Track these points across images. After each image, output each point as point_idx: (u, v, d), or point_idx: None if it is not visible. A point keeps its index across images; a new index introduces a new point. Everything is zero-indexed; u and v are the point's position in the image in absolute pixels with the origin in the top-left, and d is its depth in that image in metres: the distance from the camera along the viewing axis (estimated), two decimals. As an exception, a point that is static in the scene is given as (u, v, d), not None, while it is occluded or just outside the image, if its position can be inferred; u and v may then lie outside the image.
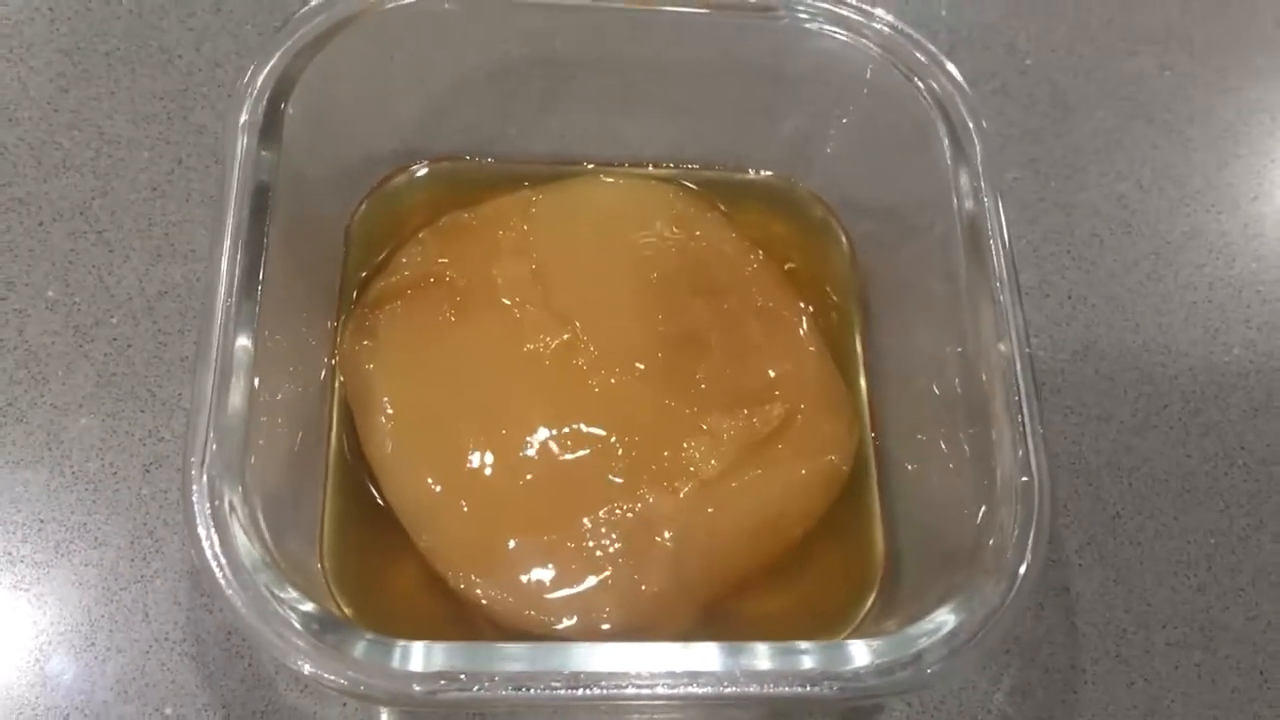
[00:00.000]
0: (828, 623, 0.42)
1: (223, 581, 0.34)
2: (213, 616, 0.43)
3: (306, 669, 0.33)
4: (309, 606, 0.34)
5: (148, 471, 0.45)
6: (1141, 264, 0.52)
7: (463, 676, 0.33)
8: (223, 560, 0.34)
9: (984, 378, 0.38)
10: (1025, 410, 0.38)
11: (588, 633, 0.41)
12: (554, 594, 0.41)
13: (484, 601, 0.41)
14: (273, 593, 0.34)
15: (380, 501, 0.43)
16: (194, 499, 0.34)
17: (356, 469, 0.43)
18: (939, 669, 0.34)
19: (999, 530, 0.36)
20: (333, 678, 0.33)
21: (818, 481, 0.44)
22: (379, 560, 0.42)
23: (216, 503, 0.34)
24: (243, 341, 0.37)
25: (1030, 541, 0.36)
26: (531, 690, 0.33)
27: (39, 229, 0.49)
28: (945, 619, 0.35)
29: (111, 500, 0.44)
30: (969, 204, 0.41)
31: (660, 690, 0.33)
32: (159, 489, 0.44)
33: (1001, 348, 0.39)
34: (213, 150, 0.51)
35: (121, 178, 0.50)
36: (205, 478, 0.35)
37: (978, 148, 0.42)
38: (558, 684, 0.33)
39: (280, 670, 0.42)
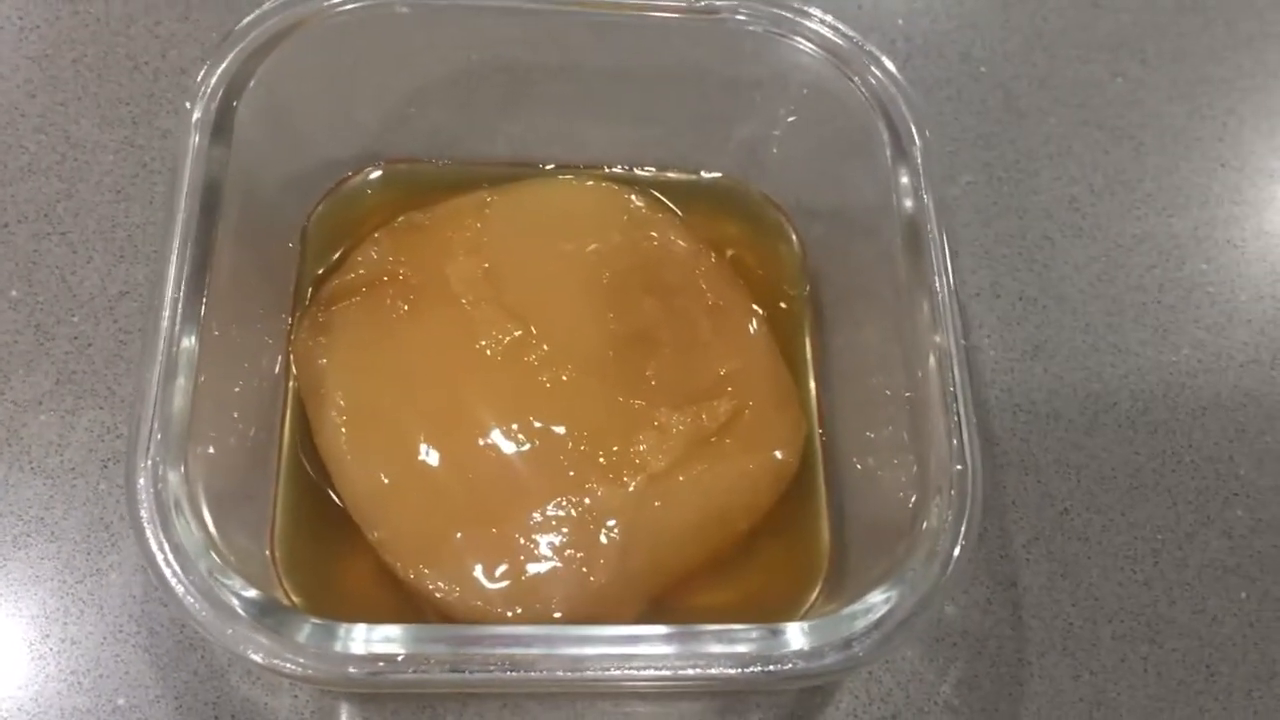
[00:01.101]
0: (773, 616, 0.42)
1: (165, 567, 0.34)
2: (167, 610, 0.43)
3: (250, 654, 0.34)
4: (252, 592, 0.35)
5: (105, 467, 0.45)
6: (1092, 266, 0.53)
7: (399, 658, 0.34)
8: (165, 545, 0.35)
9: (919, 371, 0.39)
10: (960, 399, 0.38)
11: (535, 622, 0.41)
12: (501, 585, 0.41)
13: (433, 593, 0.41)
14: (216, 577, 0.35)
15: (332, 495, 0.43)
16: (138, 485, 0.35)
17: (309, 463, 0.44)
18: (869, 650, 0.35)
19: (933, 515, 0.37)
20: (276, 661, 0.34)
21: (764, 476, 0.44)
22: (331, 553, 0.43)
23: (159, 487, 0.35)
24: (188, 334, 0.38)
25: (963, 527, 0.37)
26: (469, 673, 0.33)
27: (3, 230, 0.49)
28: (878, 601, 0.36)
29: (69, 495, 0.45)
30: (909, 202, 0.42)
31: (598, 673, 0.34)
32: (116, 484, 0.45)
33: (937, 339, 0.39)
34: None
35: (86, 181, 0.51)
36: (149, 463, 0.35)
37: (917, 144, 0.43)
38: (494, 666, 0.33)
39: (232, 662, 0.43)
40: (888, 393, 0.43)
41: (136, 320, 0.48)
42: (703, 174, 0.52)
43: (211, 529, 0.36)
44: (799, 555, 0.44)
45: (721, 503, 0.43)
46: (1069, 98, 0.57)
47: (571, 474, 0.42)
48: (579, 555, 0.41)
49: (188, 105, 0.41)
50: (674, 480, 0.43)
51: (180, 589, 0.34)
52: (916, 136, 0.43)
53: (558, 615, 0.41)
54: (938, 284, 0.40)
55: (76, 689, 0.42)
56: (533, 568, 0.41)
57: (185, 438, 0.36)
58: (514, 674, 0.34)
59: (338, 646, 0.34)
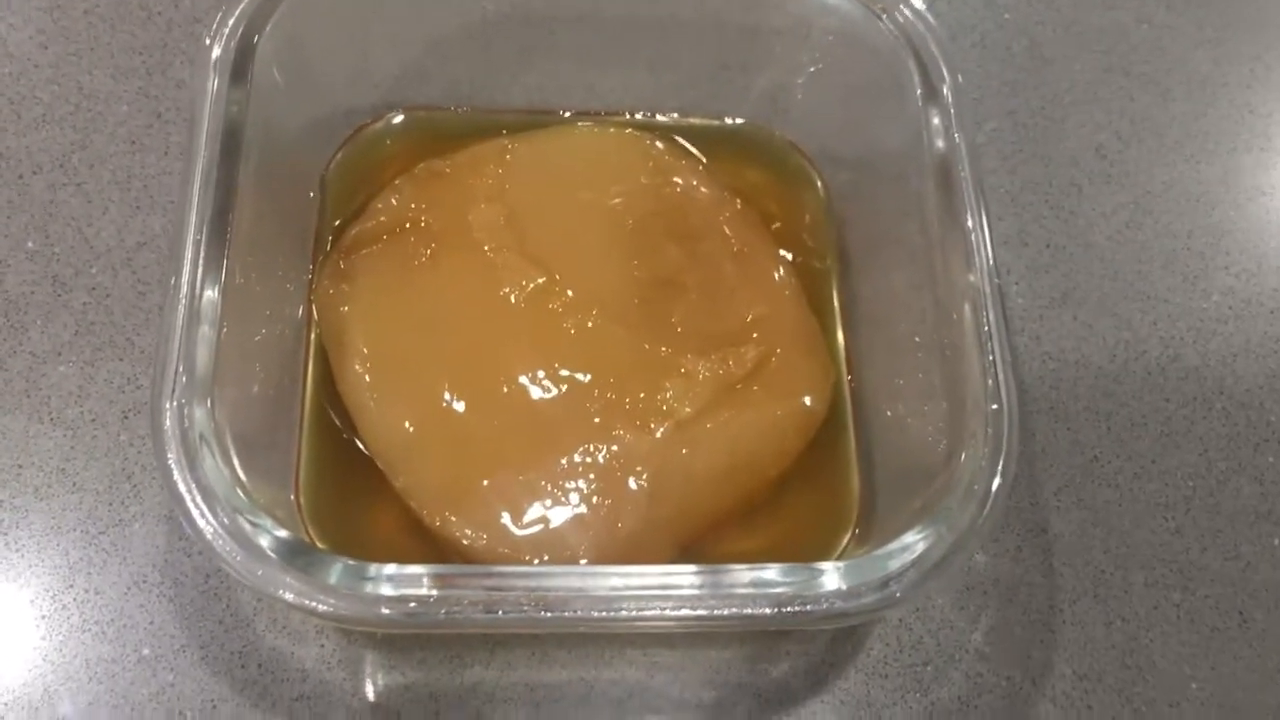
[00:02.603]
0: (805, 560, 0.42)
1: (192, 507, 0.34)
2: (191, 560, 0.43)
3: (280, 594, 0.34)
4: (282, 532, 0.34)
5: (126, 418, 0.45)
6: (1120, 213, 0.52)
7: (431, 598, 0.34)
8: (192, 486, 0.34)
9: (954, 314, 0.38)
10: (995, 338, 0.38)
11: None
12: (529, 532, 0.41)
13: (460, 540, 0.41)
14: (244, 517, 0.34)
15: (357, 443, 0.43)
16: (164, 425, 0.34)
17: (332, 411, 0.43)
18: (906, 589, 0.34)
19: (968, 455, 0.36)
20: (306, 601, 0.34)
21: (793, 423, 0.44)
22: (356, 501, 0.42)
23: (186, 426, 0.34)
24: (211, 280, 0.37)
25: (1000, 464, 0.36)
26: (502, 613, 0.33)
27: (18, 181, 0.49)
28: (914, 541, 0.35)
29: (90, 446, 0.44)
30: (940, 142, 0.41)
31: (631, 612, 0.33)
32: (137, 435, 0.45)
33: (971, 279, 0.39)
34: (191, 100, 0.51)
35: (100, 131, 0.50)
36: (174, 404, 0.35)
37: (946, 83, 0.42)
38: (527, 606, 0.33)
39: (258, 610, 0.42)
40: (917, 339, 0.43)
41: (154, 271, 0.48)
42: (724, 120, 0.51)
43: (239, 469, 0.35)
44: (828, 502, 0.44)
45: (749, 449, 0.43)
46: (1094, 44, 0.56)
47: (598, 421, 0.42)
48: (606, 502, 0.41)
49: (207, 42, 0.40)
50: (701, 427, 0.42)
51: (209, 529, 0.34)
52: (946, 75, 0.42)
53: (585, 563, 0.41)
54: (970, 223, 0.39)
55: (101, 638, 0.41)
56: (560, 514, 0.41)
57: (210, 380, 0.35)
58: (547, 614, 0.33)
59: (368, 587, 0.34)
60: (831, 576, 0.35)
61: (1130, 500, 0.47)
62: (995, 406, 0.37)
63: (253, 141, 0.40)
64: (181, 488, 0.34)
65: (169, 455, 0.34)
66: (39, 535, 0.43)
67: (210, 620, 0.42)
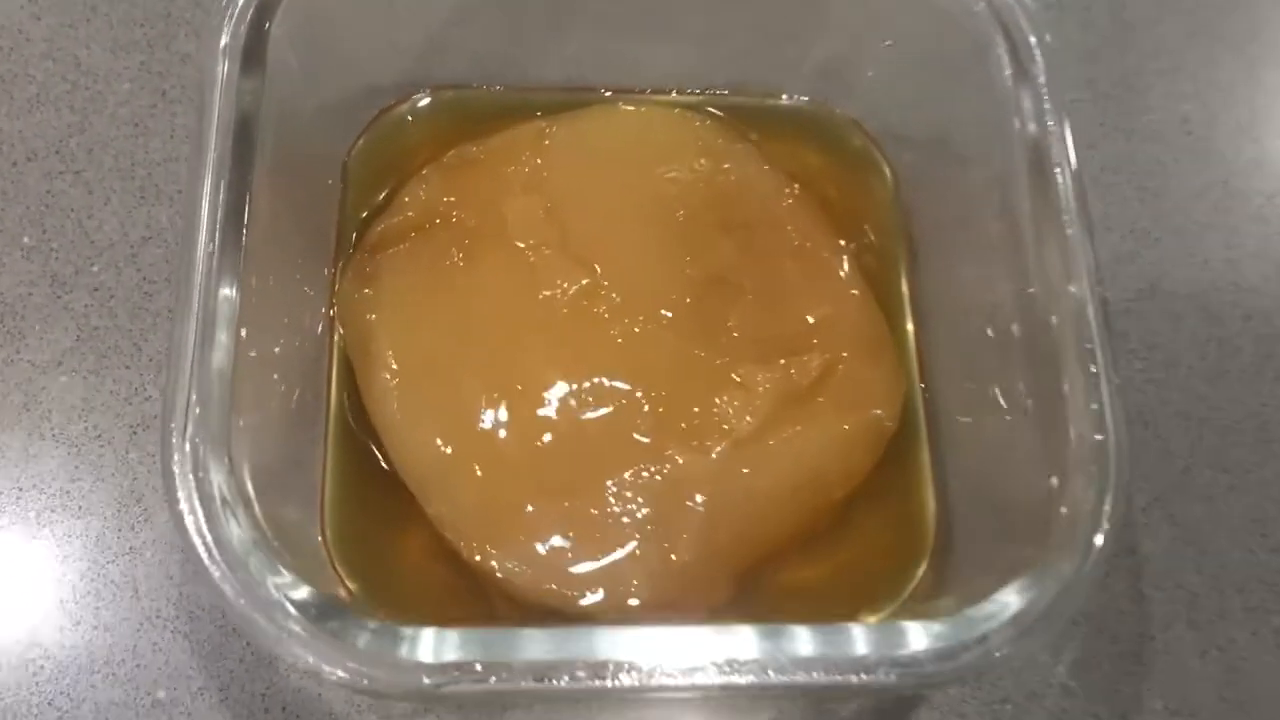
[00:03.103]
0: (873, 595, 0.39)
1: (209, 564, 0.30)
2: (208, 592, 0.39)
3: (305, 660, 0.30)
4: (304, 592, 0.31)
5: (134, 434, 0.41)
6: (1208, 193, 0.48)
7: (478, 667, 0.30)
8: (209, 539, 0.31)
9: (1052, 322, 0.34)
10: (1099, 359, 0.34)
11: (613, 607, 0.37)
12: (576, 566, 0.37)
13: (500, 575, 0.37)
14: (265, 576, 0.31)
15: (385, 464, 0.39)
16: (175, 471, 0.31)
17: (359, 429, 0.39)
18: (1006, 652, 0.31)
19: (1070, 496, 0.33)
20: (334, 670, 0.30)
21: (861, 438, 0.40)
22: (385, 529, 0.39)
23: (200, 474, 0.31)
24: (226, 292, 0.33)
25: (1106, 508, 0.32)
26: (554, 681, 0.30)
27: (12, 169, 0.45)
28: (1011, 598, 0.32)
29: (96, 465, 0.41)
30: (1031, 128, 0.37)
31: (697, 680, 0.30)
32: (147, 453, 0.41)
33: (1072, 289, 0.35)
34: (198, 81, 0.46)
35: (100, 113, 0.46)
36: (187, 447, 0.31)
37: (1040, 65, 0.38)
38: (583, 673, 0.30)
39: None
40: (994, 338, 0.39)
41: (162, 269, 0.44)
42: (780, 98, 0.46)
43: (260, 518, 0.32)
44: (901, 526, 0.40)
45: (814, 468, 0.39)
46: (1179, 5, 0.52)
47: (649, 439, 0.38)
48: (661, 531, 0.38)
49: (215, 27, 0.36)
50: (762, 444, 0.39)
51: (229, 591, 0.30)
52: (1039, 54, 0.38)
53: (637, 598, 0.37)
54: (1069, 223, 0.35)
55: (111, 680, 0.38)
56: (610, 545, 0.37)
57: (228, 413, 0.32)
58: (606, 684, 0.30)
59: (403, 651, 0.30)
60: (920, 637, 0.31)
61: (1225, 515, 0.43)
62: (1100, 437, 0.33)
63: (267, 131, 0.36)
64: (199, 544, 0.30)
65: (183, 509, 0.30)
66: (42, 565, 0.40)
67: (230, 659, 0.39)
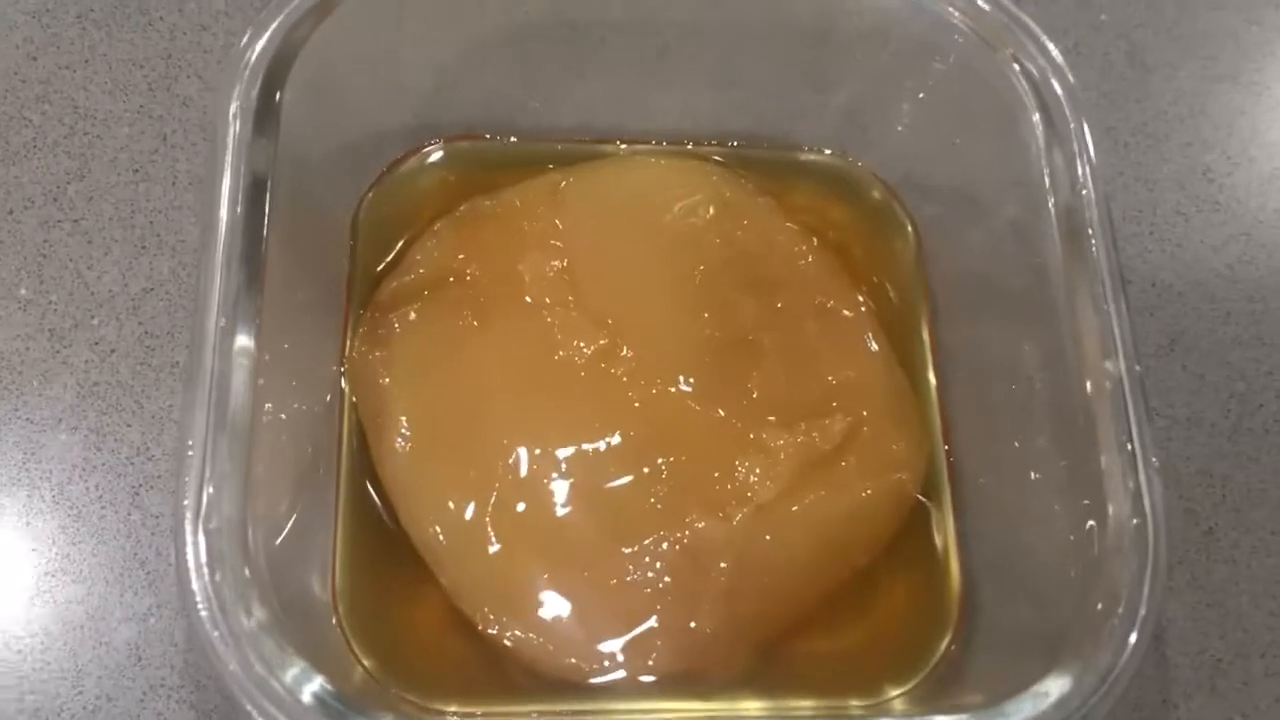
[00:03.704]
0: (897, 667, 0.38)
1: (223, 656, 0.29)
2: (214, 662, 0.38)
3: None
4: (317, 683, 0.30)
5: (136, 494, 0.40)
6: (1231, 246, 0.47)
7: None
8: (227, 637, 0.30)
9: (1087, 395, 0.34)
10: (1136, 439, 0.33)
11: (633, 679, 0.36)
12: (596, 637, 0.37)
13: (516, 647, 0.36)
14: (280, 668, 0.30)
15: (396, 529, 0.38)
16: (189, 561, 0.30)
17: (371, 495, 0.38)
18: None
19: (1108, 583, 0.32)
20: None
21: (885, 503, 0.39)
22: (399, 599, 0.38)
23: (218, 578, 0.30)
24: (239, 364, 0.32)
25: (1145, 593, 0.32)
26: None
27: (8, 218, 0.44)
28: (1048, 689, 0.31)
29: (97, 527, 0.40)
30: (1065, 194, 0.36)
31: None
32: (150, 514, 0.40)
33: (1108, 366, 0.34)
34: (200, 125, 0.46)
35: (99, 158, 0.45)
36: (201, 536, 0.30)
37: (1073, 130, 0.37)
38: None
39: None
40: (1021, 400, 0.38)
41: (164, 321, 0.43)
42: (798, 149, 0.45)
43: (274, 601, 0.30)
44: (925, 594, 0.39)
45: (838, 535, 0.38)
46: (1199, 49, 0.51)
47: (669, 506, 0.38)
48: (682, 600, 0.37)
49: (225, 86, 0.35)
50: (784, 510, 0.38)
51: (244, 682, 0.29)
52: (1072, 118, 0.37)
53: (658, 670, 0.36)
54: (1105, 297, 0.35)
55: (115, 753, 0.37)
56: (631, 615, 0.37)
57: (243, 496, 0.31)
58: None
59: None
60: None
61: (1249, 578, 0.42)
62: (1137, 521, 0.32)
63: (279, 190, 0.35)
64: (214, 636, 0.29)
65: (200, 609, 0.29)
66: (41, 633, 0.38)
67: (237, 731, 0.38)
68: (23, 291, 0.43)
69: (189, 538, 0.30)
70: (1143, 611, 0.31)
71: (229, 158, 0.34)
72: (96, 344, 0.42)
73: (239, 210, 0.34)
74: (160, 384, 0.42)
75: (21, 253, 0.43)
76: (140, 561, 0.39)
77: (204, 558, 0.30)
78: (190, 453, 0.31)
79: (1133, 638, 0.31)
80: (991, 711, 0.31)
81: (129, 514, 0.40)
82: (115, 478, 0.40)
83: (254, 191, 0.34)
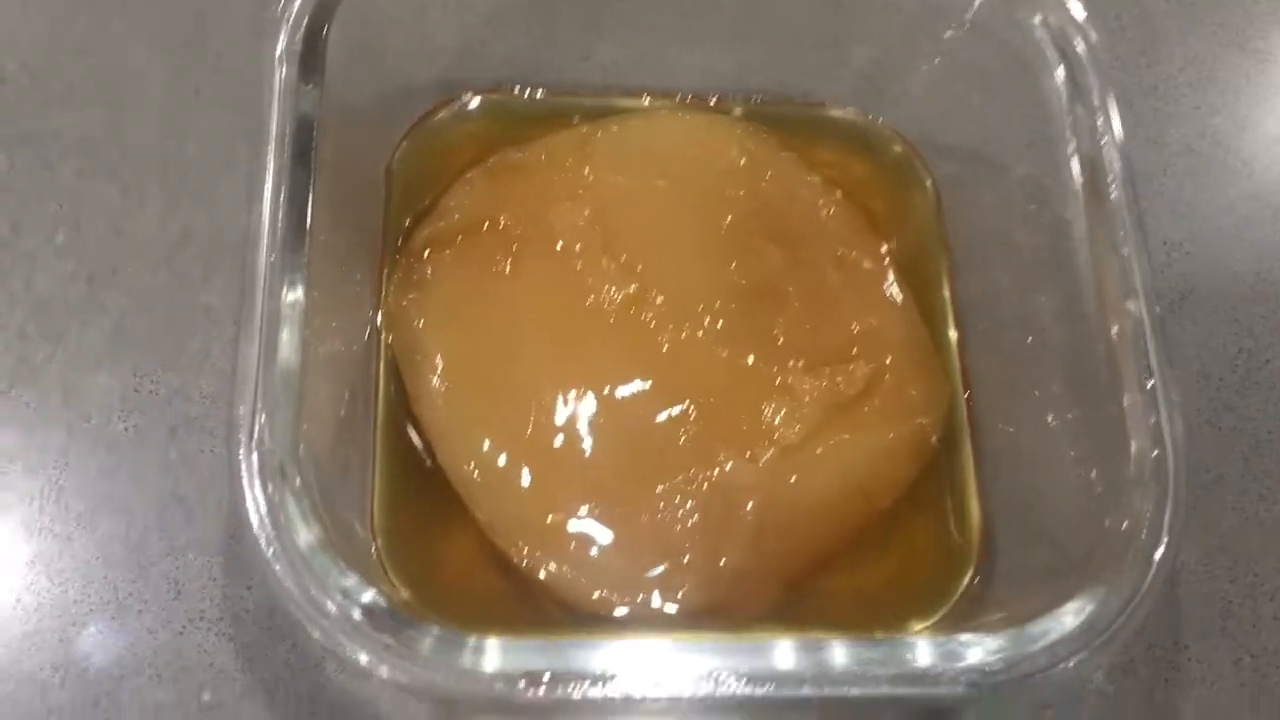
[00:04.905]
0: (920, 603, 0.39)
1: (278, 571, 0.30)
2: (251, 593, 0.39)
3: (370, 665, 0.30)
4: (370, 595, 0.31)
5: (174, 434, 0.41)
6: (1239, 206, 0.49)
7: (547, 676, 0.30)
8: (277, 547, 0.30)
9: (1110, 336, 0.35)
10: (1157, 376, 0.34)
11: (663, 612, 0.37)
12: (627, 572, 0.38)
13: (550, 581, 0.37)
14: (333, 581, 0.31)
15: (432, 467, 0.39)
16: (243, 477, 0.31)
17: (407, 435, 0.39)
18: (1072, 666, 0.31)
19: (1131, 511, 0.33)
20: (399, 675, 0.30)
21: (907, 447, 0.40)
22: (434, 534, 0.39)
23: (270, 490, 0.31)
24: (291, 298, 0.34)
25: (1166, 520, 0.33)
26: (620, 692, 0.30)
27: (45, 169, 0.44)
28: (1070, 612, 0.32)
29: (137, 466, 0.40)
30: (1086, 146, 0.37)
31: (786, 692, 0.30)
32: (187, 453, 0.41)
33: (1129, 306, 0.35)
34: (233, 80, 0.46)
35: (134, 111, 0.45)
36: (255, 457, 0.31)
37: (1094, 82, 0.38)
38: (658, 685, 0.30)
39: (327, 650, 0.38)
40: (1044, 351, 0.40)
41: (199, 269, 0.43)
42: (819, 105, 0.46)
43: (328, 522, 0.31)
44: (946, 534, 0.40)
45: (861, 477, 0.39)
46: (1208, 15, 0.52)
47: (698, 446, 0.39)
48: (710, 537, 0.38)
49: (271, 31, 0.36)
50: (810, 453, 0.39)
51: (297, 596, 0.30)
52: (1090, 69, 0.38)
53: (687, 605, 0.37)
54: (1125, 241, 0.36)
55: (157, 683, 0.38)
56: (661, 551, 0.38)
57: (294, 418, 0.32)
58: (685, 694, 0.30)
59: (467, 658, 0.30)
60: (982, 649, 0.32)
61: (1257, 524, 0.43)
62: (1157, 453, 0.33)
63: (323, 136, 0.36)
64: (266, 550, 0.30)
65: (251, 516, 0.30)
66: (83, 567, 0.39)
67: (275, 662, 0.39)
68: (60, 238, 0.43)
69: (243, 457, 0.31)
70: (1165, 538, 0.32)
71: (276, 101, 0.35)
72: (132, 289, 0.43)
73: (287, 153, 0.35)
74: (195, 328, 0.42)
75: (58, 200, 0.44)
76: (179, 499, 0.40)
77: (258, 476, 0.31)
78: (243, 381, 0.32)
79: (1158, 554, 0.32)
80: (1018, 632, 0.31)
81: (167, 453, 0.41)
82: (153, 418, 0.41)
83: (302, 133, 0.35)
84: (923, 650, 0.32)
